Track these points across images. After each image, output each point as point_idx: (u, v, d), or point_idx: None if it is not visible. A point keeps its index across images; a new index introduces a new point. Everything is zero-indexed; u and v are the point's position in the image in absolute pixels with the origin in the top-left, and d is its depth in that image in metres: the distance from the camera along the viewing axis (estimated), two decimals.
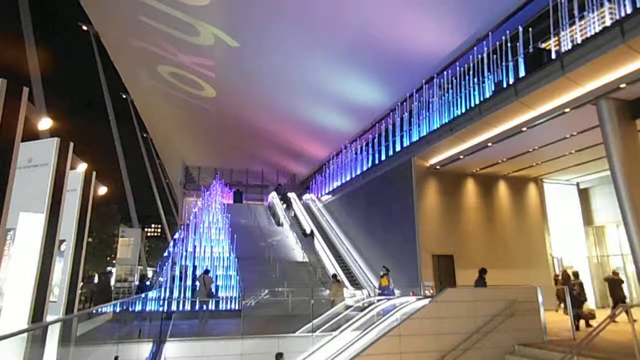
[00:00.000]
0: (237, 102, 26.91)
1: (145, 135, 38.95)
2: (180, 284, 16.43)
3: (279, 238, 23.05)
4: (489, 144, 13.31)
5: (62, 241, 5.99)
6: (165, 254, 25.54)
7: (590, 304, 12.98)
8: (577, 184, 17.77)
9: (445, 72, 15.79)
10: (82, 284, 10.48)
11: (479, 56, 13.96)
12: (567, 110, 10.68)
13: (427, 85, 16.54)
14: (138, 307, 13.86)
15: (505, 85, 12.29)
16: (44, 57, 15.00)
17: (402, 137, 17.52)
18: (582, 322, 10.62)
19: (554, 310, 12.87)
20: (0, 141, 4.23)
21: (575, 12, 10.53)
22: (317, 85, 21.54)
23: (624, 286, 12.14)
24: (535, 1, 12.72)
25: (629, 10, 8.95)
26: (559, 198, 17.39)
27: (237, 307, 14.90)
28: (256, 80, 23.03)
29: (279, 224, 26.07)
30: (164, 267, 20.51)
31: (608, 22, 9.59)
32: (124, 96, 34.96)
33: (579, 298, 10.77)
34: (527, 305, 8.98)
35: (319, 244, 20.71)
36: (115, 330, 10.14)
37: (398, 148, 17.60)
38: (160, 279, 18.87)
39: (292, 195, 27.64)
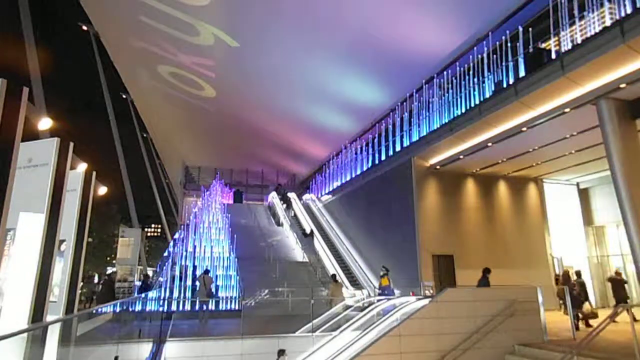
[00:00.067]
0: (237, 102, 26.90)
1: (145, 135, 38.96)
2: (180, 284, 16.43)
3: (279, 238, 23.03)
4: (489, 144, 13.31)
5: (62, 241, 5.98)
6: (165, 254, 25.52)
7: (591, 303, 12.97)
8: (577, 184, 17.77)
9: (445, 72, 15.79)
10: (82, 284, 10.47)
11: (479, 56, 13.96)
12: (567, 110, 10.68)
13: (427, 85, 16.55)
14: (138, 307, 13.86)
15: (505, 85, 12.29)
16: (44, 57, 15.00)
17: (402, 137, 17.52)
18: (581, 322, 10.62)
19: (555, 310, 12.88)
20: (0, 141, 4.22)
21: (575, 12, 10.53)
22: (317, 85, 21.54)
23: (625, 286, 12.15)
24: (535, 1, 12.72)
25: (629, 10, 8.96)
26: (559, 198, 17.39)
27: (237, 307, 14.88)
28: (256, 80, 23.02)
29: (279, 224, 26.04)
30: (164, 267, 20.50)
31: (608, 22, 9.59)
32: (124, 96, 34.98)
33: (578, 298, 10.77)
34: (527, 305, 8.99)
35: (319, 244, 20.70)
36: (115, 330, 10.13)
37: (398, 148, 17.60)
38: (160, 279, 18.86)
39: (292, 195, 27.62)
